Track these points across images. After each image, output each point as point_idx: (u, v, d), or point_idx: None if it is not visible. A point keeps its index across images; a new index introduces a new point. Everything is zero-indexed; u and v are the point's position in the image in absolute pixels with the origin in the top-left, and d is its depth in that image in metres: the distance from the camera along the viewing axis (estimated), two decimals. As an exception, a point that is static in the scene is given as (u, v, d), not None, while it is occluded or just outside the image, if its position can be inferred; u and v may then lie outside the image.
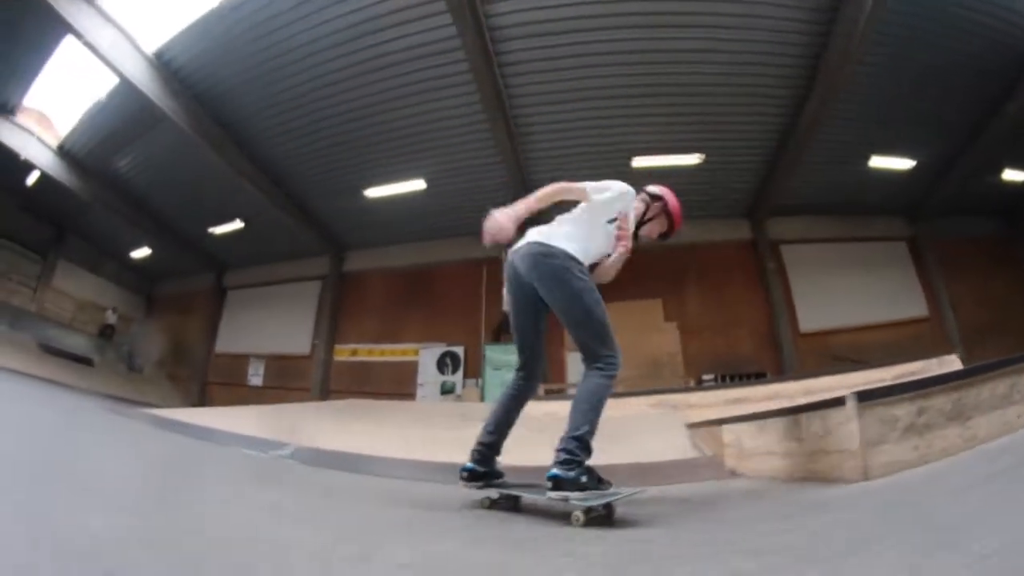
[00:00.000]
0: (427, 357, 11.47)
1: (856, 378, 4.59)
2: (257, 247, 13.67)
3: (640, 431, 4.07)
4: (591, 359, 2.05)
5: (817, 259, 10.81)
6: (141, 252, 15.61)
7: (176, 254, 15.06)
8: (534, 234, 2.19)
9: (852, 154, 9.53)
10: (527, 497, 2.05)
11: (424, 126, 9.01)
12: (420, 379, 11.36)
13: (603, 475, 1.92)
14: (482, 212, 2.07)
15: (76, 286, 15.95)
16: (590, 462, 1.90)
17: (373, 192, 10.66)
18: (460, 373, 10.91)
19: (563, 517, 1.76)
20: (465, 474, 2.11)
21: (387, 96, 8.50)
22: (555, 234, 2.16)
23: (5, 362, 9.36)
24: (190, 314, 16.19)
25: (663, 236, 2.46)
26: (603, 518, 1.81)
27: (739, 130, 9.06)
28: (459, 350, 11.10)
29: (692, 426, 4.12)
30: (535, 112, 8.70)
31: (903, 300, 10.58)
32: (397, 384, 11.47)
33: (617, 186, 2.25)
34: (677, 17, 7.16)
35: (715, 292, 10.71)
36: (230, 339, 14.85)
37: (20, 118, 10.83)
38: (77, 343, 14.16)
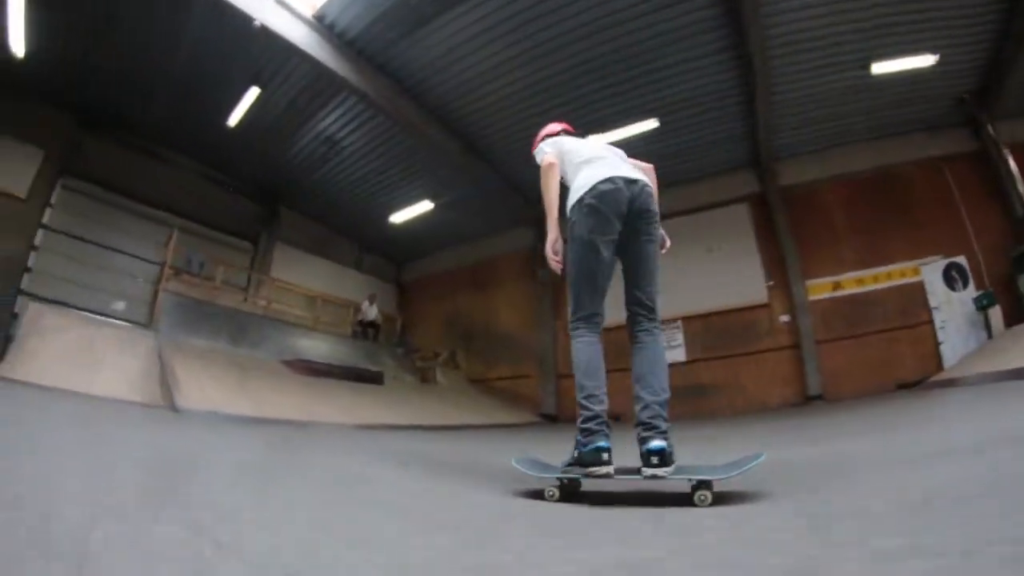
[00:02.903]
0: (930, 275, 8.75)
1: None
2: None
3: None
4: (655, 313, 1.99)
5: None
6: (408, 213, 11.61)
7: (485, 198, 10.97)
8: (630, 167, 2.04)
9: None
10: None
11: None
12: (933, 301, 8.08)
13: None
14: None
15: (302, 276, 12.32)
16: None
17: (881, 67, 7.65)
18: (971, 287, 7.73)
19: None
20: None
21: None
22: None
23: (257, 407, 5.56)
24: (494, 288, 12.85)
25: None
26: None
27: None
28: (960, 260, 7.82)
29: None
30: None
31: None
32: (903, 315, 8.59)
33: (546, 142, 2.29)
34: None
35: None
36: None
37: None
38: (346, 354, 10.43)
